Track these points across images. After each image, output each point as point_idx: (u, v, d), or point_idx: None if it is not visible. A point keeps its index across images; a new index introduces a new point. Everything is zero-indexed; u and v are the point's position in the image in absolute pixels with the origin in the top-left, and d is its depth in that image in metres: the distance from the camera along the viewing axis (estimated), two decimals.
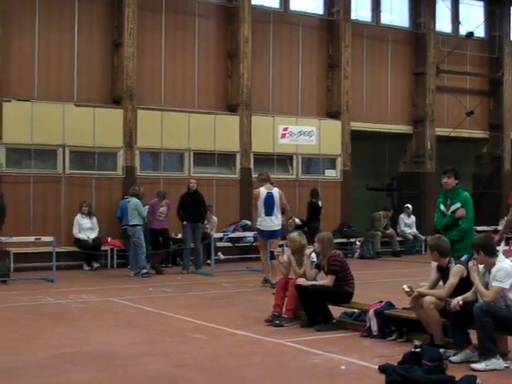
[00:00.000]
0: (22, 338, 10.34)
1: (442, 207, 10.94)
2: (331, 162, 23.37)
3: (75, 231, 18.95)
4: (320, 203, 21.64)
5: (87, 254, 18.76)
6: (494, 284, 8.67)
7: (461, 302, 8.64)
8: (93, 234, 19.05)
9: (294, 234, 11.99)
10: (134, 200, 17.91)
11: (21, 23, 19.17)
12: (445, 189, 10.99)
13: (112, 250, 19.37)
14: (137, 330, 10.92)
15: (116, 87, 20.12)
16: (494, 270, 8.75)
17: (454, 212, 10.76)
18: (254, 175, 19.78)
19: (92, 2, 20.08)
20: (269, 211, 15.91)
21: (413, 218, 23.98)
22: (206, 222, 19.47)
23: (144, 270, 17.58)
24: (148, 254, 18.14)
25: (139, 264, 17.66)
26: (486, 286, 8.78)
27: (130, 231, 17.89)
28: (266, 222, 15.89)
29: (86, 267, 18.86)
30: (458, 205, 10.78)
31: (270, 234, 15.97)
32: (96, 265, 18.79)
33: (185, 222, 18.47)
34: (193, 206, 18.54)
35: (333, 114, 23.47)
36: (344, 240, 22.46)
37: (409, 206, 24.00)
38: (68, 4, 19.69)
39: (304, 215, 21.92)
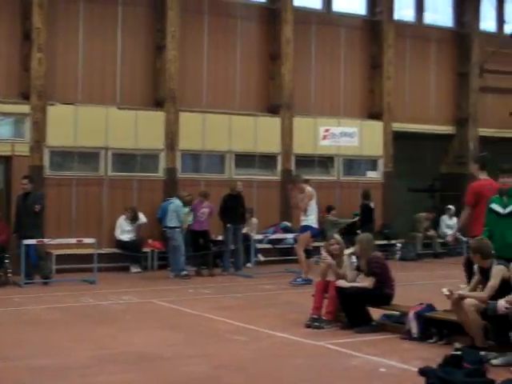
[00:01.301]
0: (65, 338, 10.46)
1: (497, 207, 10.49)
2: (373, 164, 23.26)
3: (117, 233, 19.11)
4: (372, 204, 21.60)
5: (132, 256, 18.85)
6: None
7: (507, 305, 8.54)
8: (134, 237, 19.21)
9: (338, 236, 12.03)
10: (177, 202, 18.02)
11: (65, 29, 19.34)
12: (502, 188, 10.55)
13: (152, 251, 19.46)
14: (177, 332, 10.98)
15: (158, 90, 20.23)
16: None
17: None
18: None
19: (135, 5, 20.21)
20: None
21: (454, 219, 23.65)
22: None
23: (184, 272, 17.65)
24: (188, 255, 18.23)
25: (179, 266, 17.74)
26: None
27: (168, 233, 17.98)
28: (316, 221, 16.73)
29: (133, 269, 18.85)
30: None
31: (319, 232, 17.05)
32: (137, 269, 18.81)
33: (228, 225, 18.51)
34: (236, 208, 18.62)
35: (375, 115, 23.34)
36: (385, 242, 22.30)
37: (451, 207, 23.72)
38: (111, 8, 19.84)
39: (345, 217, 21.92)
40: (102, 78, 19.82)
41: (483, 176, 11.79)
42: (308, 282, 15.70)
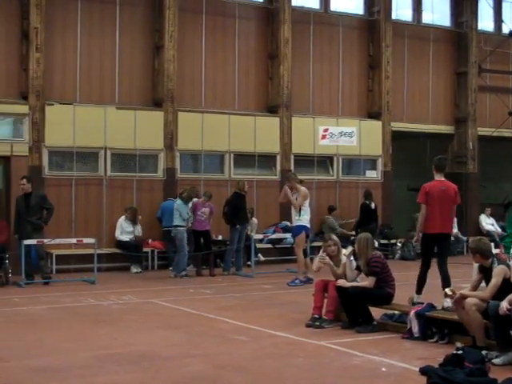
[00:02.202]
0: (65, 338, 10.45)
1: None
2: (372, 163, 23.26)
3: (117, 233, 19.09)
4: (373, 205, 21.54)
5: (133, 256, 18.81)
6: None
7: (509, 306, 8.53)
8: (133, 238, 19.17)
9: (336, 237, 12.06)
10: (179, 201, 17.99)
11: (63, 29, 19.34)
12: None
13: (153, 251, 19.45)
14: (177, 332, 10.97)
15: (157, 90, 20.23)
16: None
17: None
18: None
19: (133, 5, 20.21)
20: None
21: (455, 218, 23.62)
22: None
23: (184, 272, 17.63)
24: (190, 255, 18.19)
25: (180, 265, 17.72)
26: None
27: (172, 233, 17.95)
28: (309, 221, 16.77)
29: (133, 269, 18.78)
30: None
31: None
32: (137, 270, 18.75)
33: (238, 225, 18.45)
34: (244, 208, 18.62)
35: (373, 115, 23.35)
36: (385, 241, 22.31)
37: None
38: (109, 8, 19.84)
39: (344, 217, 21.96)
40: (100, 78, 19.80)
41: (438, 177, 12.30)
42: (308, 281, 15.72)
